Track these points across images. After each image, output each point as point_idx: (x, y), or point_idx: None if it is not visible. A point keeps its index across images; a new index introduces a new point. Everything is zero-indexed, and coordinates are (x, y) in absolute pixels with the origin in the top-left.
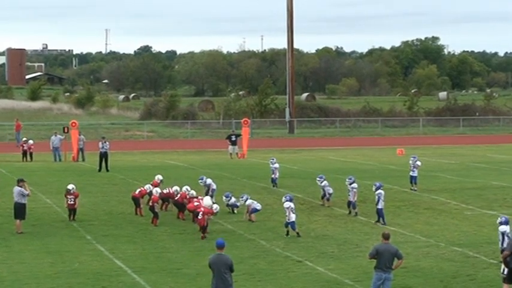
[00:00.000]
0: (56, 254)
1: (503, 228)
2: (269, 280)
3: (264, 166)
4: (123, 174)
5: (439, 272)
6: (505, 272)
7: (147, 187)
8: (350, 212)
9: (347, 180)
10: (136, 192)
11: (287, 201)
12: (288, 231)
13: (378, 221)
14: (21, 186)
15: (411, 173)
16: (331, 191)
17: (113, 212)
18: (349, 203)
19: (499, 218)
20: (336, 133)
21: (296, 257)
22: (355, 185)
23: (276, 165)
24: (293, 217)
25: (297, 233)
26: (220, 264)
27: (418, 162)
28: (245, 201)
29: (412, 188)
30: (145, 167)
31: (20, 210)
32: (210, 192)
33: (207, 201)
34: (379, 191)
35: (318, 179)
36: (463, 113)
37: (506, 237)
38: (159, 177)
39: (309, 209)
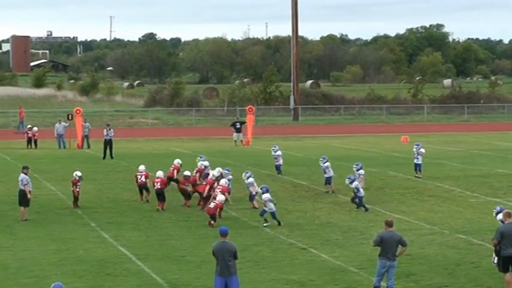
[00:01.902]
0: (61, 241)
1: (501, 216)
2: (273, 267)
3: (269, 153)
4: (128, 161)
5: (443, 260)
6: (496, 261)
7: (160, 173)
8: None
9: (354, 166)
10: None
11: (264, 192)
12: (266, 219)
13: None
14: (26, 173)
15: (415, 161)
16: (331, 173)
17: (117, 199)
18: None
19: (494, 210)
20: (340, 120)
21: (300, 245)
22: (362, 171)
23: (279, 152)
24: (273, 207)
25: (278, 222)
26: (224, 251)
27: (422, 150)
28: (247, 178)
29: (417, 175)
30: (149, 154)
31: (24, 198)
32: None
33: (220, 197)
34: (361, 171)
35: (320, 159)
36: (467, 101)
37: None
38: (179, 161)
39: (313, 197)
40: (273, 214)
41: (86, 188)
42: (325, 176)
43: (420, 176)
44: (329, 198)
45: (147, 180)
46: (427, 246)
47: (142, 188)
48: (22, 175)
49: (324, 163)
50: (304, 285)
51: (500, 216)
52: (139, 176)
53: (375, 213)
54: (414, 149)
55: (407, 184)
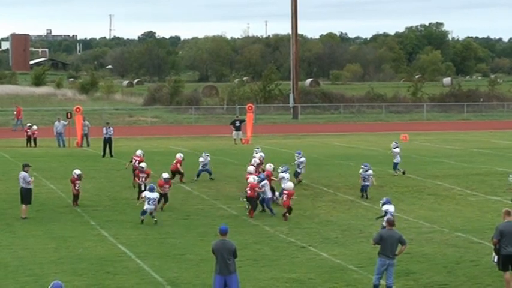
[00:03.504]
0: (60, 239)
1: (386, 207)
2: (273, 266)
3: (268, 151)
4: (127, 159)
5: (443, 258)
6: (496, 260)
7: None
8: (364, 196)
9: (362, 167)
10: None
11: (149, 190)
12: (143, 220)
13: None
14: (26, 171)
15: (395, 160)
16: (302, 170)
17: (117, 197)
18: (362, 188)
19: (381, 201)
20: (339, 119)
21: (300, 243)
22: (370, 171)
23: (261, 154)
24: (148, 208)
25: (155, 221)
26: (223, 250)
27: (396, 150)
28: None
29: (396, 174)
30: (149, 153)
31: (26, 195)
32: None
33: (289, 184)
34: (370, 171)
35: (296, 154)
36: (467, 99)
37: (389, 215)
38: (181, 154)
39: (312, 195)
40: (150, 213)
41: (85, 187)
42: (297, 169)
43: (404, 171)
44: (328, 196)
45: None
46: (426, 244)
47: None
48: (23, 173)
49: (300, 158)
50: (304, 283)
51: (385, 207)
52: (134, 160)
53: (374, 212)
54: (392, 145)
55: (406, 182)
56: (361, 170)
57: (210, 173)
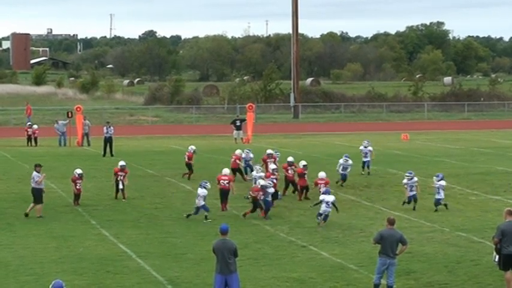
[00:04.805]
0: (61, 238)
1: (323, 196)
2: (274, 265)
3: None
4: (128, 159)
5: (444, 257)
6: (496, 259)
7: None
8: (414, 207)
9: (407, 175)
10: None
11: (200, 186)
12: (189, 214)
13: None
14: (38, 172)
15: (364, 159)
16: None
17: (118, 197)
18: (410, 198)
19: (321, 190)
20: (340, 118)
21: (300, 242)
22: (416, 179)
23: (251, 155)
24: (196, 202)
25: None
26: (224, 249)
27: (370, 148)
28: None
29: (363, 172)
30: (149, 152)
31: (36, 195)
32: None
33: (322, 173)
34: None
35: (344, 158)
36: (468, 98)
37: (324, 204)
38: (240, 151)
39: (313, 194)
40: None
41: (86, 186)
42: (342, 172)
43: (369, 172)
44: None
45: (191, 161)
46: (427, 244)
47: (187, 166)
48: (34, 173)
49: (347, 161)
50: (304, 282)
51: (322, 196)
52: (185, 156)
53: (375, 211)
54: (362, 147)
55: None
56: (405, 180)
57: (252, 169)
